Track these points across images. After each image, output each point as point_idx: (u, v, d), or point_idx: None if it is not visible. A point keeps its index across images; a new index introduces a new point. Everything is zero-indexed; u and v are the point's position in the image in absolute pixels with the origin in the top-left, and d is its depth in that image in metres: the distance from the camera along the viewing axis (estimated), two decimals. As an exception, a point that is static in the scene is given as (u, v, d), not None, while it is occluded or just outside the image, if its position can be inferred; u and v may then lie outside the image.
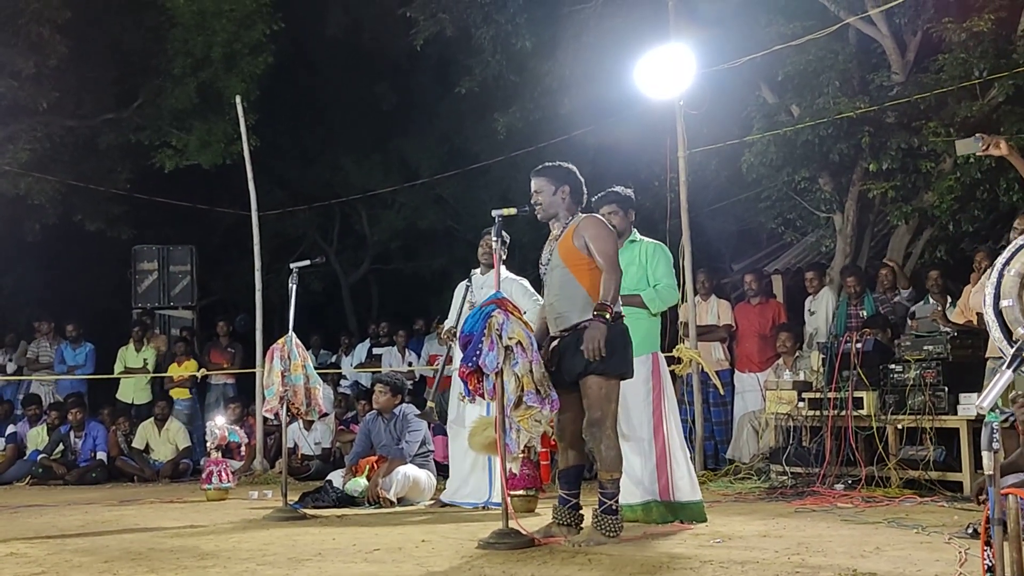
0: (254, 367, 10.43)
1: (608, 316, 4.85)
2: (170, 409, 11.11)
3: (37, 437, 10.91)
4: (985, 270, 7.35)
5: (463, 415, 7.23)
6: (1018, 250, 2.98)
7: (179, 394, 11.70)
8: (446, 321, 7.46)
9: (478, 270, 7.40)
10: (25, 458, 10.87)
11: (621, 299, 5.72)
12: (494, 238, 5.19)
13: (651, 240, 6.17)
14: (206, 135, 13.39)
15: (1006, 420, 5.22)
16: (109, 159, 13.97)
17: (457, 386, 7.27)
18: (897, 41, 9.83)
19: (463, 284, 7.41)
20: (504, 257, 7.14)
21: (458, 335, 7.12)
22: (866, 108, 9.17)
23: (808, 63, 9.57)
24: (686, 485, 5.79)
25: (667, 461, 5.76)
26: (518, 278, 7.24)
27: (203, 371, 11.78)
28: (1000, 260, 3.01)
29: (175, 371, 11.81)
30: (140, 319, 12.63)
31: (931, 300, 8.46)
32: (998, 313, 2.94)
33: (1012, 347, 2.87)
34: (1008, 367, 2.83)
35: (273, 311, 12.71)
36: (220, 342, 12.40)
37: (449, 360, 7.42)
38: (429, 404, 7.56)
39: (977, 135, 5.51)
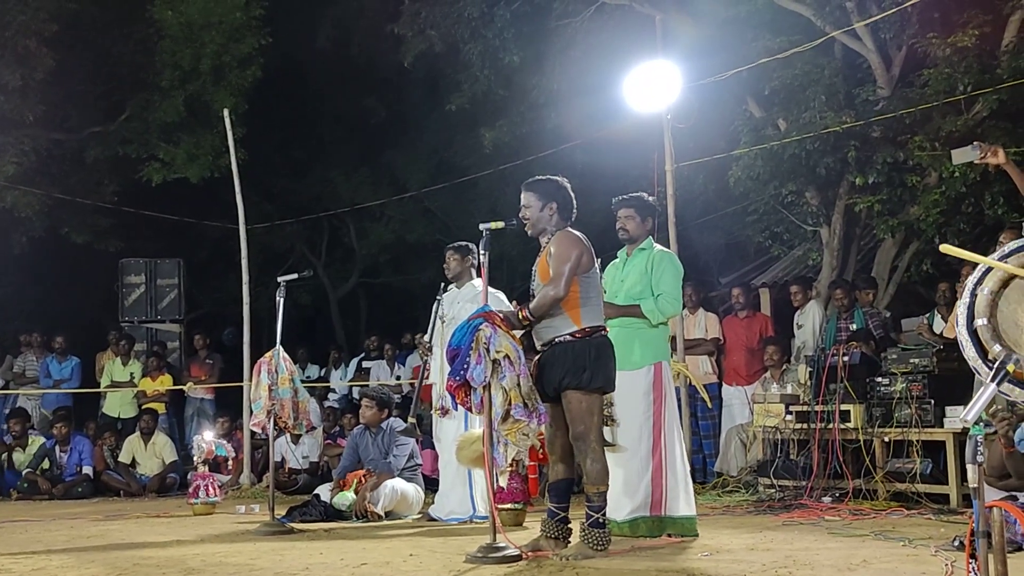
0: (239, 380, 10.40)
1: (522, 319, 5.00)
2: (155, 423, 11.06)
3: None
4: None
5: (440, 430, 7.23)
6: (988, 270, 3.02)
7: (154, 409, 11.61)
8: (424, 335, 7.50)
9: (452, 285, 7.40)
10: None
11: (619, 310, 5.74)
12: (481, 251, 5.20)
13: (662, 249, 6.10)
14: (194, 148, 13.38)
15: (992, 432, 5.26)
16: (96, 172, 13.94)
17: (435, 400, 7.30)
18: (882, 56, 9.90)
19: (437, 299, 7.43)
20: (464, 268, 7.22)
21: (432, 349, 7.22)
22: (852, 122, 9.23)
23: (794, 77, 9.64)
24: (681, 499, 5.76)
25: (663, 474, 5.72)
26: (494, 291, 7.23)
27: (190, 385, 11.72)
28: (971, 280, 3.05)
29: (151, 386, 11.76)
30: (125, 333, 12.59)
31: (938, 313, 8.49)
32: (972, 332, 2.98)
33: (987, 366, 2.90)
34: (992, 380, 2.86)
35: (261, 325, 12.69)
36: (199, 355, 12.36)
37: (427, 373, 7.42)
38: (410, 420, 7.55)
39: (975, 143, 5.48)
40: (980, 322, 2.95)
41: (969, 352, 2.97)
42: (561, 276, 4.96)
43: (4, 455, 10.74)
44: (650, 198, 6.12)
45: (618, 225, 6.04)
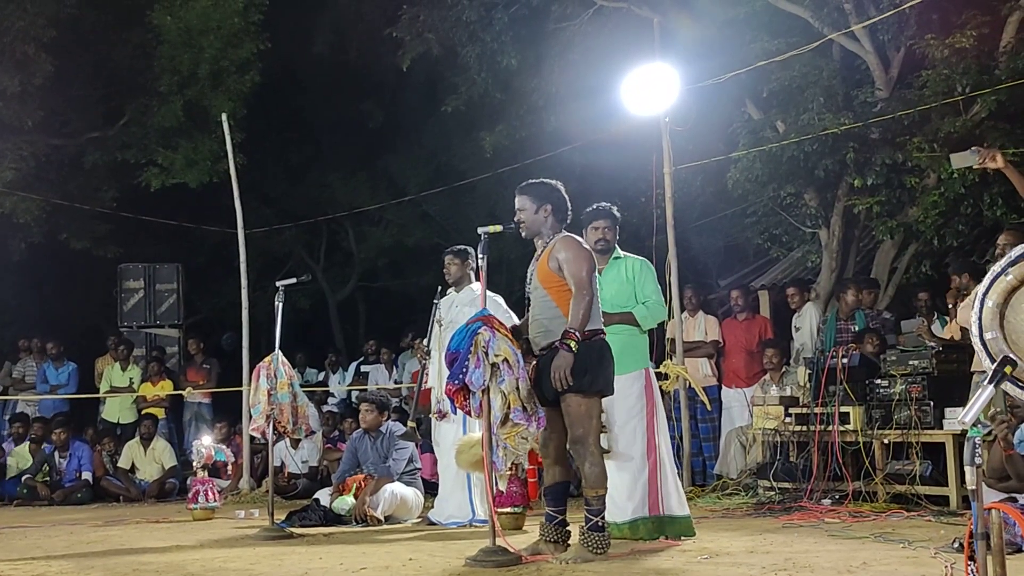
0: (238, 385, 10.39)
1: (573, 344, 4.84)
2: (155, 428, 11.04)
3: (20, 456, 10.83)
4: (967, 286, 7.39)
5: (438, 434, 7.23)
6: (994, 281, 3.01)
7: (154, 414, 11.59)
8: (424, 339, 7.51)
9: (451, 289, 7.40)
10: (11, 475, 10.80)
11: (613, 317, 5.75)
12: (480, 255, 5.19)
13: (636, 256, 6.17)
14: (192, 153, 13.38)
15: (989, 434, 5.26)
16: (95, 178, 13.93)
17: (433, 404, 7.30)
18: (881, 57, 9.90)
19: (435, 303, 7.44)
20: (461, 274, 7.22)
21: (430, 353, 7.22)
22: (850, 124, 9.23)
23: (793, 79, 9.64)
24: (675, 500, 5.81)
25: (658, 476, 5.77)
26: (493, 294, 7.23)
27: (189, 390, 11.71)
28: (980, 289, 3.03)
29: (151, 391, 11.74)
30: (124, 338, 12.58)
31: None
32: (984, 344, 2.97)
33: None
34: (990, 382, 2.85)
35: (260, 329, 12.67)
36: (195, 360, 12.36)
37: (426, 377, 7.42)
38: (410, 424, 7.55)
39: (973, 148, 5.47)
40: (989, 335, 2.94)
41: (988, 363, 2.96)
42: (583, 281, 4.95)
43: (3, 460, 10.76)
44: (615, 208, 6.17)
45: (598, 235, 6.03)
